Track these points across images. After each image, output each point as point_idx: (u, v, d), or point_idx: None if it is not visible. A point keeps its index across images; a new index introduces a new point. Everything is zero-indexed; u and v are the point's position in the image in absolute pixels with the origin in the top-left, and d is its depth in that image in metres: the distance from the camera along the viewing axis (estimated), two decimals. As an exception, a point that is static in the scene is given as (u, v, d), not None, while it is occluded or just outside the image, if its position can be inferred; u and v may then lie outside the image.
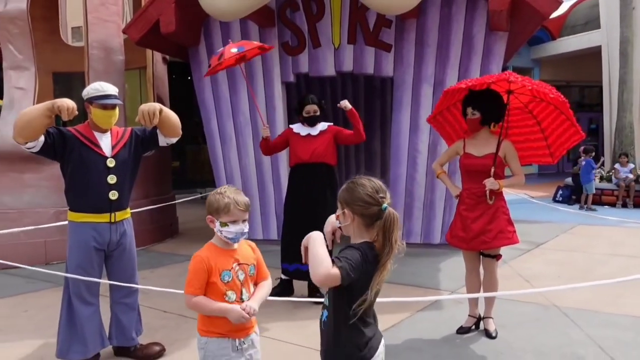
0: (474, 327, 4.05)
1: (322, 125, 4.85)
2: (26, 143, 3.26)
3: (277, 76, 7.08)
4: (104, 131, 3.51)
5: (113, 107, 3.46)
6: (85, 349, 3.44)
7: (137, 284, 3.70)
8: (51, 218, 6.35)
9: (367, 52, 6.85)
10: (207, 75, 5.26)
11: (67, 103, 3.19)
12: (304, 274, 4.65)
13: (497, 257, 3.96)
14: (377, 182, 1.94)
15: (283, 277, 4.91)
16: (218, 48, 7.15)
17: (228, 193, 2.34)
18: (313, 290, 4.84)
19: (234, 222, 2.30)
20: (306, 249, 1.87)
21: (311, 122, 4.81)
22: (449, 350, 3.71)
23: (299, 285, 4.93)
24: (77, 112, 3.25)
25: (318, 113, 4.82)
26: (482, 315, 4.07)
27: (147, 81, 8.19)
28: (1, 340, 4.02)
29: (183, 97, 11.77)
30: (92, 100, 3.44)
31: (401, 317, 4.32)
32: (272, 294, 4.71)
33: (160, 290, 3.89)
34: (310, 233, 1.87)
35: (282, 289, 4.88)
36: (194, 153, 15.28)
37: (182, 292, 2.35)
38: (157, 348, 3.67)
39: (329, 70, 7.00)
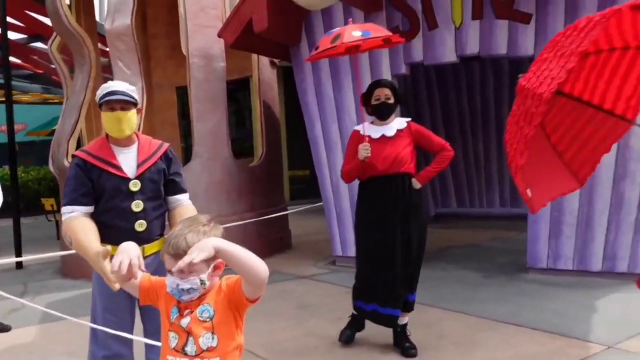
0: None
1: (399, 123, 3.72)
2: None
3: (386, 68, 5.99)
4: (126, 144, 2.76)
5: (122, 107, 2.66)
6: None
7: None
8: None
9: (499, 28, 5.43)
10: (309, 60, 4.32)
11: None
12: (384, 319, 3.68)
13: None
14: None
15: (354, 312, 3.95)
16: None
17: (177, 228, 1.71)
18: (402, 336, 3.79)
19: (169, 271, 1.66)
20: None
21: (382, 112, 3.70)
22: None
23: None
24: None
25: (391, 100, 3.69)
26: None
27: (252, 86, 7.72)
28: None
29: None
30: (100, 104, 2.70)
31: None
32: (343, 338, 3.89)
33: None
34: None
35: (354, 325, 3.95)
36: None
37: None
38: None
39: (449, 55, 5.70)
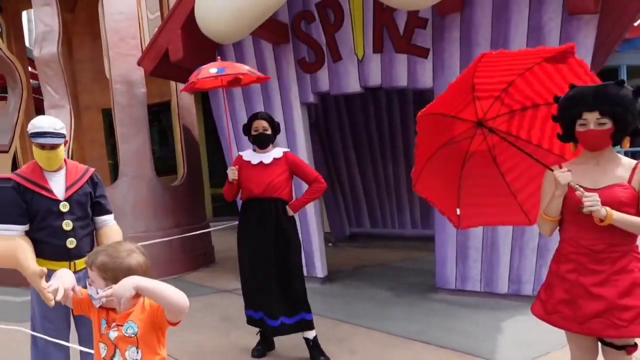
0: None
1: (277, 152, 4.09)
2: None
3: (295, 97, 6.31)
4: (55, 170, 3.10)
5: (51, 147, 2.98)
6: None
7: None
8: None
9: (398, 61, 5.74)
10: (183, 91, 4.70)
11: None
12: (270, 329, 4.00)
13: (630, 349, 2.50)
14: None
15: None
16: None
17: (102, 246, 2.03)
18: (315, 349, 4.04)
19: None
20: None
21: (260, 142, 4.07)
22: None
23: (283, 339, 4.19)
24: None
25: (269, 131, 4.07)
26: None
27: (172, 112, 8.01)
28: None
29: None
30: (31, 137, 3.02)
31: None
32: (255, 354, 4.11)
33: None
34: None
35: (264, 342, 4.22)
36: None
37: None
38: None
39: (353, 86, 6.03)
